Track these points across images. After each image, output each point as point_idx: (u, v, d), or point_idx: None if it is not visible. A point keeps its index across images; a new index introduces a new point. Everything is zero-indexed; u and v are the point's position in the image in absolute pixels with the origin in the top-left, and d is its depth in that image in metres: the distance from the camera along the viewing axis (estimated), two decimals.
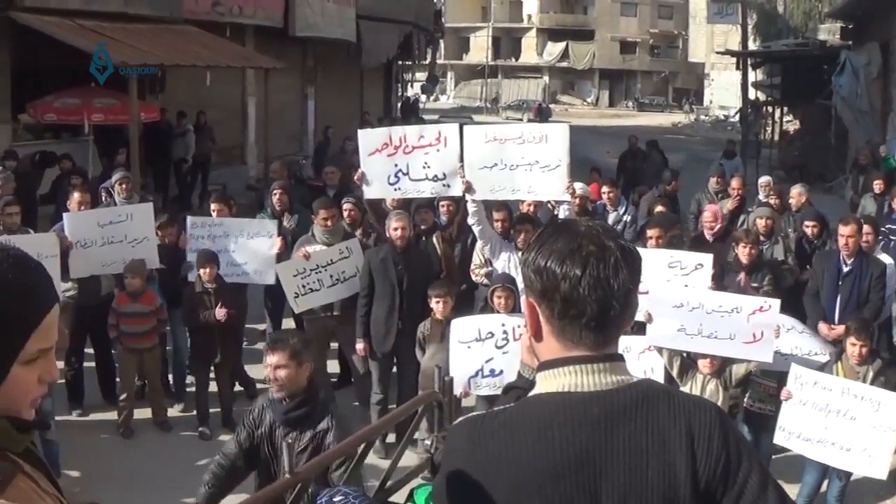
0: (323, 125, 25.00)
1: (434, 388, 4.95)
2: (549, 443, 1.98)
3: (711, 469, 1.99)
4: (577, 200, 9.64)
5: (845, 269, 8.59)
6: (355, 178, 9.05)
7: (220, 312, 8.69)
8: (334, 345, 9.88)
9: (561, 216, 8.45)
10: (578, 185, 9.51)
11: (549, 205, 9.92)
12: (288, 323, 10.45)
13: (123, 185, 10.55)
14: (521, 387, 2.64)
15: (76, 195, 9.75)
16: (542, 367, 2.13)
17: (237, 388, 9.70)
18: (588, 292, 1.99)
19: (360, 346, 8.78)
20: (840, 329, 8.01)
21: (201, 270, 8.90)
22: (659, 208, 11.04)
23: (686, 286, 7.67)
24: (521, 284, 8.28)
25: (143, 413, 9.27)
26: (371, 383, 8.93)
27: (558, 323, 2.05)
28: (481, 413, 2.18)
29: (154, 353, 9.21)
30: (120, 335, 9.00)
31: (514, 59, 79.96)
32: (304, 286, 9.12)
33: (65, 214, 9.46)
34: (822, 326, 8.39)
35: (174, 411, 9.55)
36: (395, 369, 8.98)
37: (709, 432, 2.01)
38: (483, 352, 7.49)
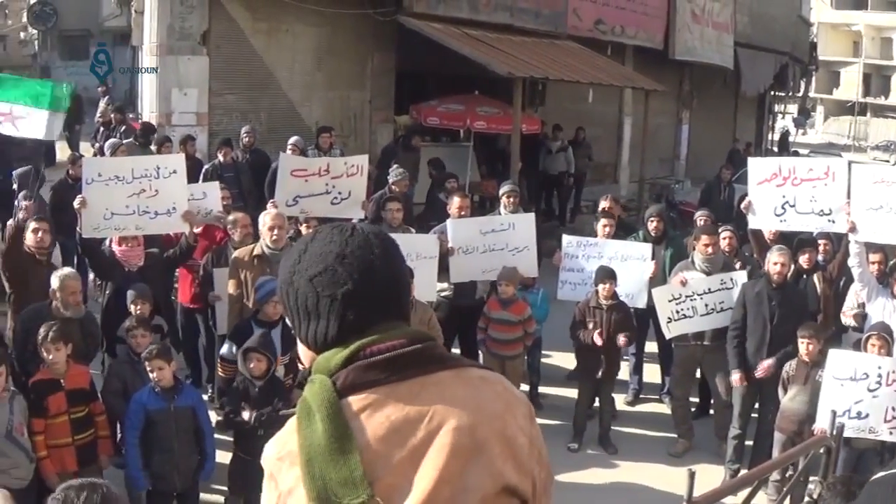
0: (695, 151, 24.43)
1: (827, 432, 5.21)
2: None
3: None
4: None
5: None
6: (742, 206, 9.01)
7: (598, 338, 8.75)
8: None
9: None
10: None
11: None
12: None
13: (511, 199, 10.38)
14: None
15: (456, 200, 9.96)
16: None
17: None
18: None
19: (736, 376, 8.54)
20: None
21: (600, 286, 8.88)
22: None
23: None
24: None
25: None
26: (730, 417, 8.76)
27: None
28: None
29: (516, 362, 9.26)
30: (486, 338, 9.14)
31: (883, 98, 74.87)
32: (677, 311, 8.94)
33: (448, 221, 9.65)
34: None
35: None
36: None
37: None
38: (855, 392, 7.19)
